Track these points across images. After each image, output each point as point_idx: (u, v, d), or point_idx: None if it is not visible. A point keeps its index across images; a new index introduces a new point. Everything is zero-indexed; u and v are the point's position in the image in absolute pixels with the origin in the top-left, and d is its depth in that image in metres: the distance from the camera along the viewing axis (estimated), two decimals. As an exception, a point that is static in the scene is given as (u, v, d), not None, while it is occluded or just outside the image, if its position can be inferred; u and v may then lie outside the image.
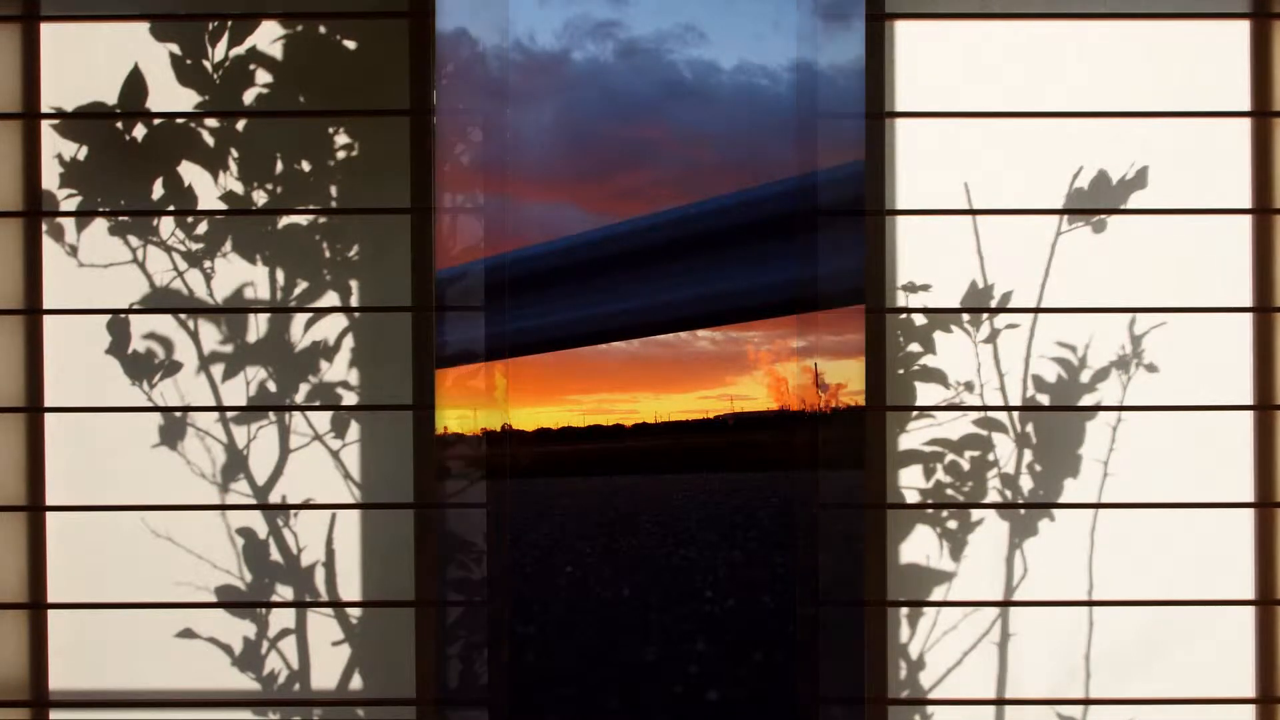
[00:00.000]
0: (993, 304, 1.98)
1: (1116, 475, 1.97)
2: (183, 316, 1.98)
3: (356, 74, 1.97)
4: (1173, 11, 1.97)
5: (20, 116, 1.97)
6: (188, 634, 1.99)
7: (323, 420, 1.98)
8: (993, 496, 1.98)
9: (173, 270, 1.98)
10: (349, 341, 1.98)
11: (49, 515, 1.98)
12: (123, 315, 1.98)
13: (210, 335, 1.98)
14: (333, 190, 1.97)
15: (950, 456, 1.98)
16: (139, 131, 1.97)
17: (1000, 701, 1.98)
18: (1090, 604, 1.98)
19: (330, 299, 1.98)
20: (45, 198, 1.97)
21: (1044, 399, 1.98)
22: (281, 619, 1.99)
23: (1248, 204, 1.97)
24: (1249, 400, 1.97)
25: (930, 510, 1.98)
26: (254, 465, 1.98)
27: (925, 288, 1.98)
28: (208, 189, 1.97)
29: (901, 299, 1.97)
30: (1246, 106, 1.97)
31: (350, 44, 1.97)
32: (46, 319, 1.98)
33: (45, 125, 1.97)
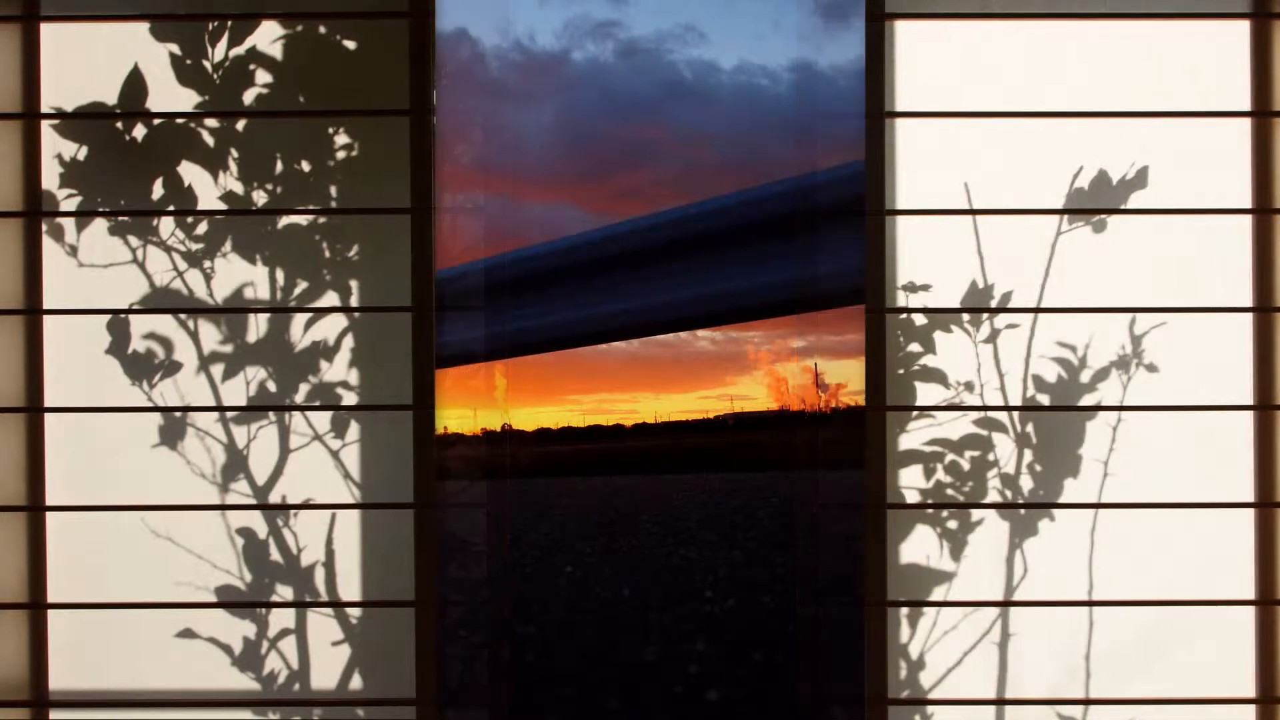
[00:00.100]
0: (993, 304, 1.98)
1: (1116, 475, 1.97)
2: (183, 316, 1.98)
3: (356, 74, 1.97)
4: (1173, 11, 1.97)
5: (20, 116, 1.97)
6: (188, 634, 1.99)
7: (323, 420, 1.98)
8: (993, 496, 1.98)
9: (173, 270, 1.98)
10: (349, 341, 1.98)
11: (49, 515, 1.98)
12: (123, 315, 1.97)
13: (210, 335, 1.98)
14: (333, 190, 1.97)
15: (950, 456, 1.98)
16: (139, 131, 1.97)
17: (1000, 701, 1.98)
18: (1090, 604, 1.97)
19: (330, 299, 1.98)
20: (45, 198, 1.97)
21: (1044, 399, 1.98)
22: (281, 619, 1.99)
23: (1248, 204, 1.97)
24: (1249, 400, 1.97)
25: (930, 510, 1.98)
26: (254, 465, 1.98)
27: (925, 288, 1.98)
28: (208, 189, 1.97)
29: (901, 299, 1.97)
30: (1246, 106, 1.97)
31: (350, 44, 1.97)
32: (46, 319, 1.98)
33: (45, 125, 1.97)
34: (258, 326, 1.98)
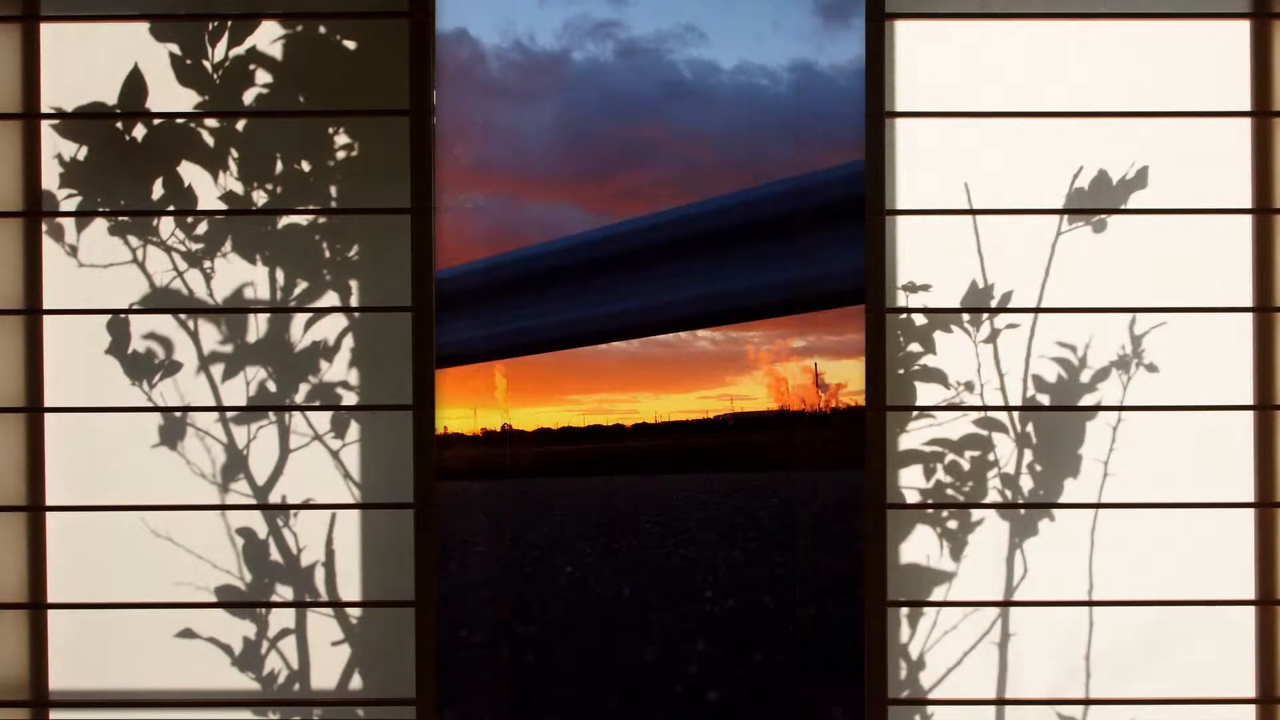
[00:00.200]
0: (993, 304, 1.98)
1: (1116, 475, 1.97)
2: (183, 316, 1.98)
3: (356, 74, 1.97)
4: (1173, 11, 1.97)
5: (20, 116, 1.97)
6: (188, 634, 1.98)
7: (323, 420, 1.98)
8: (993, 496, 1.98)
9: (173, 270, 1.98)
10: (349, 341, 1.98)
11: (49, 515, 1.98)
12: (123, 315, 1.97)
13: (210, 335, 1.98)
14: (333, 190, 1.97)
15: (950, 456, 1.98)
16: (139, 131, 1.97)
17: (1000, 701, 1.98)
18: (1090, 604, 1.97)
19: (330, 299, 1.98)
20: (45, 198, 1.97)
21: (1044, 399, 1.98)
22: (281, 619, 1.99)
23: (1248, 204, 1.97)
24: (1249, 400, 1.97)
25: (930, 510, 1.98)
26: (254, 465, 1.98)
27: (925, 288, 1.97)
28: (208, 189, 1.97)
29: (901, 299, 1.97)
30: (1246, 106, 1.97)
31: (350, 44, 1.97)
32: (46, 319, 1.98)
33: (45, 125, 1.97)
34: (258, 326, 1.98)
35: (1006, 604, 1.98)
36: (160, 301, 1.98)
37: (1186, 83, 1.97)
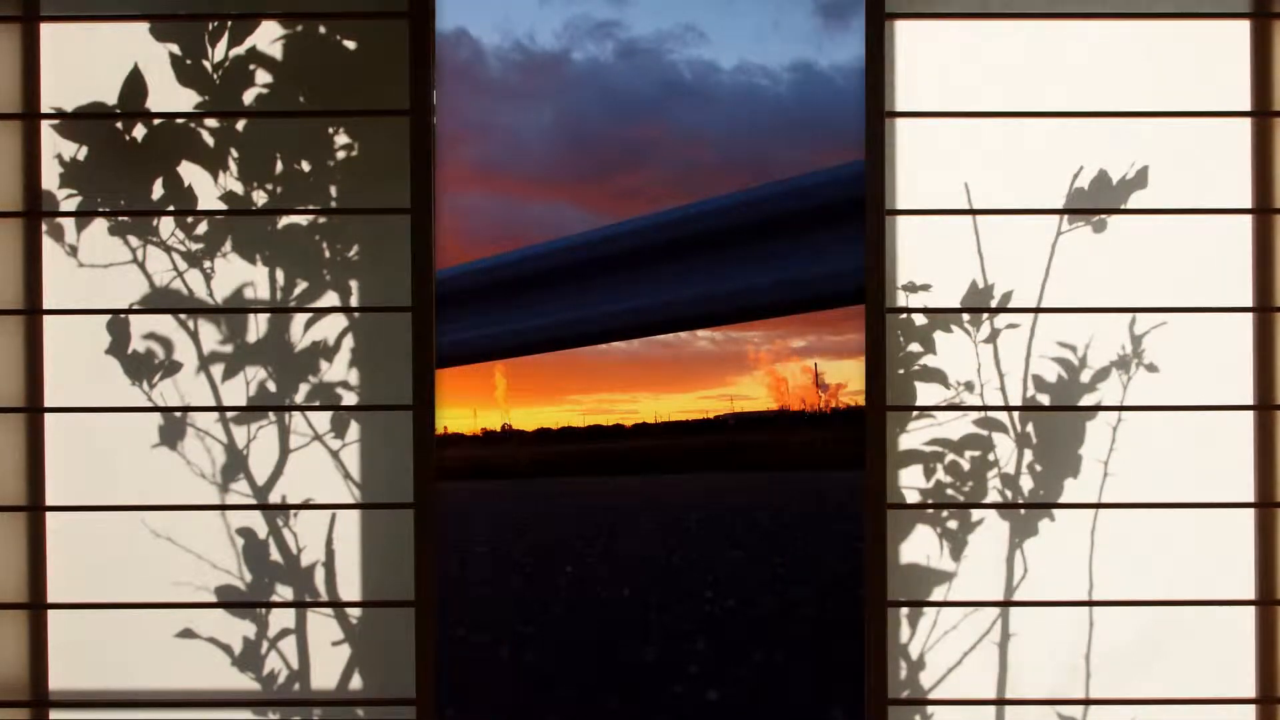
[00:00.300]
0: (993, 304, 1.98)
1: (1116, 475, 1.97)
2: (183, 316, 1.98)
3: (356, 74, 1.97)
4: (1173, 11, 1.97)
5: (20, 116, 1.97)
6: (188, 634, 1.99)
7: (323, 420, 1.98)
8: (993, 496, 1.98)
9: (173, 270, 1.98)
10: (349, 341, 1.98)
11: (49, 515, 1.98)
12: (123, 315, 1.97)
13: (210, 335, 1.98)
14: (333, 190, 1.97)
15: (950, 456, 1.98)
16: (139, 131, 1.97)
17: (1000, 702, 1.98)
18: (1090, 604, 1.97)
19: (330, 299, 1.98)
20: (45, 198, 1.97)
21: (1044, 399, 1.98)
22: (281, 619, 1.99)
23: (1248, 204, 1.97)
24: (1249, 400, 1.97)
25: (930, 510, 1.98)
26: (254, 465, 1.98)
27: (925, 288, 1.98)
28: (208, 189, 1.97)
29: (901, 299, 1.97)
30: (1246, 106, 1.97)
31: (350, 44, 1.97)
32: (46, 319, 1.98)
33: (45, 125, 1.97)
34: (258, 326, 1.98)
35: (1006, 604, 1.98)
36: (160, 301, 1.98)
37: (1186, 83, 1.97)
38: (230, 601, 1.98)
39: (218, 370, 1.98)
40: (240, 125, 1.97)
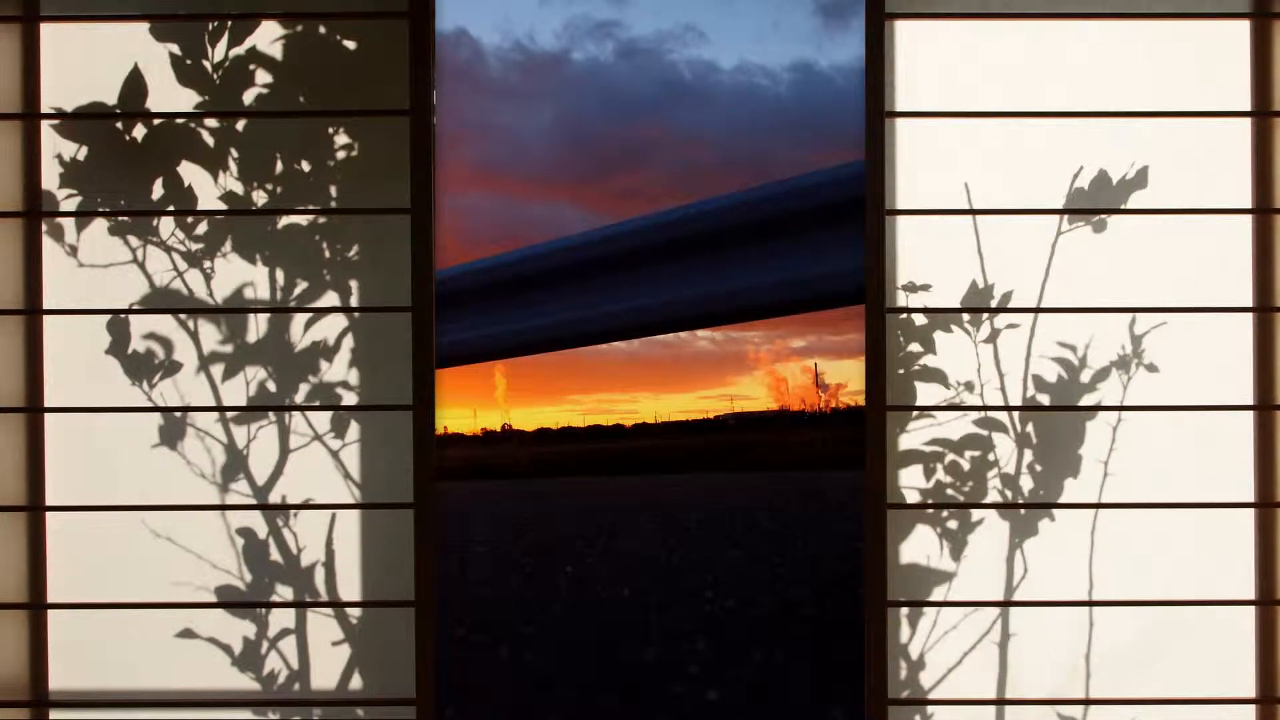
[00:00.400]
0: (993, 304, 1.98)
1: (1116, 475, 1.97)
2: (183, 316, 1.98)
3: (356, 74, 1.97)
4: (1173, 11, 1.97)
5: (20, 116, 1.97)
6: (188, 634, 1.99)
7: (323, 420, 1.98)
8: (993, 496, 1.98)
9: (173, 270, 1.98)
10: (349, 341, 1.98)
11: (49, 515, 1.98)
12: (123, 315, 1.97)
13: (210, 335, 1.98)
14: (333, 190, 1.97)
15: (950, 456, 1.98)
16: (139, 131, 1.97)
17: (1000, 702, 1.98)
18: (1090, 604, 1.97)
19: (330, 299, 1.98)
20: (45, 198, 1.97)
21: (1044, 399, 1.98)
22: (281, 619, 1.99)
23: (1248, 204, 1.97)
24: (1249, 400, 1.97)
25: (930, 510, 1.98)
26: (254, 465, 1.98)
27: (925, 288, 1.98)
28: (208, 189, 1.97)
29: (901, 299, 1.97)
30: (1246, 106, 1.97)
31: (350, 44, 1.97)
32: (46, 319, 1.98)
33: (45, 125, 1.97)
34: (258, 326, 1.98)
35: (1006, 604, 1.98)
36: (160, 301, 1.98)
37: (1186, 83, 1.97)
38: (230, 601, 1.98)
39: (218, 370, 1.98)
40: (240, 125, 1.97)
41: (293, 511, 1.98)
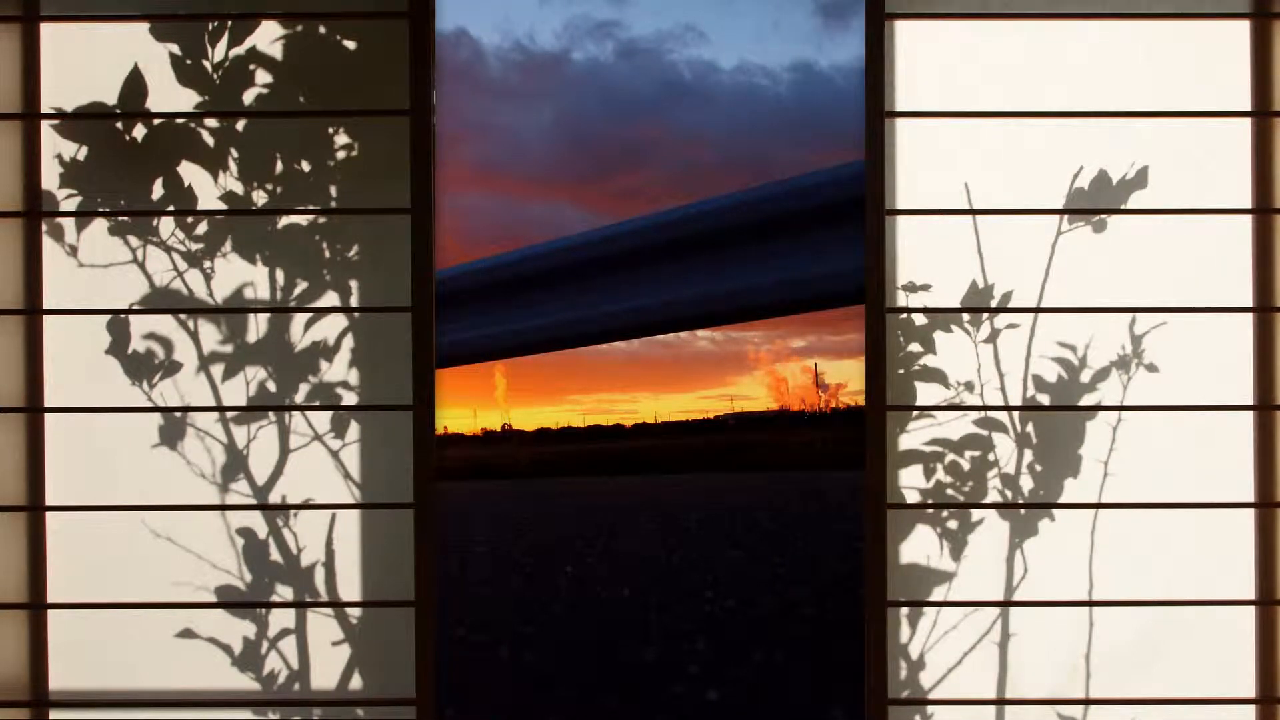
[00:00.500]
0: (993, 304, 1.98)
1: (1116, 475, 1.97)
2: (183, 316, 1.98)
3: (356, 74, 1.97)
4: (1173, 11, 1.97)
5: (20, 116, 1.97)
6: (188, 634, 1.99)
7: (323, 420, 1.98)
8: (993, 496, 1.98)
9: (173, 270, 1.98)
10: (349, 341, 1.98)
11: (49, 515, 1.98)
12: (123, 315, 1.97)
13: (210, 335, 1.98)
14: (333, 190, 1.97)
15: (950, 456, 1.98)
16: (139, 131, 1.97)
17: (1000, 702, 1.98)
18: (1090, 604, 1.97)
19: (330, 299, 1.98)
20: (45, 198, 1.97)
21: (1044, 399, 1.98)
22: (281, 619, 1.99)
23: (1248, 204, 1.97)
24: (1249, 400, 1.97)
25: (930, 510, 1.98)
26: (254, 465, 1.98)
27: (925, 288, 1.98)
28: (208, 189, 1.97)
29: (901, 299, 1.97)
30: (1246, 106, 1.97)
31: (350, 44, 1.97)
32: (46, 319, 1.98)
33: (45, 125, 1.97)
34: (258, 326, 1.98)
35: (1006, 604, 1.98)
36: (160, 301, 1.98)
37: (1186, 83, 1.97)
38: (230, 601, 1.98)
39: (218, 370, 1.98)
40: (240, 125, 1.97)
41: (293, 511, 1.98)
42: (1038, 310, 1.97)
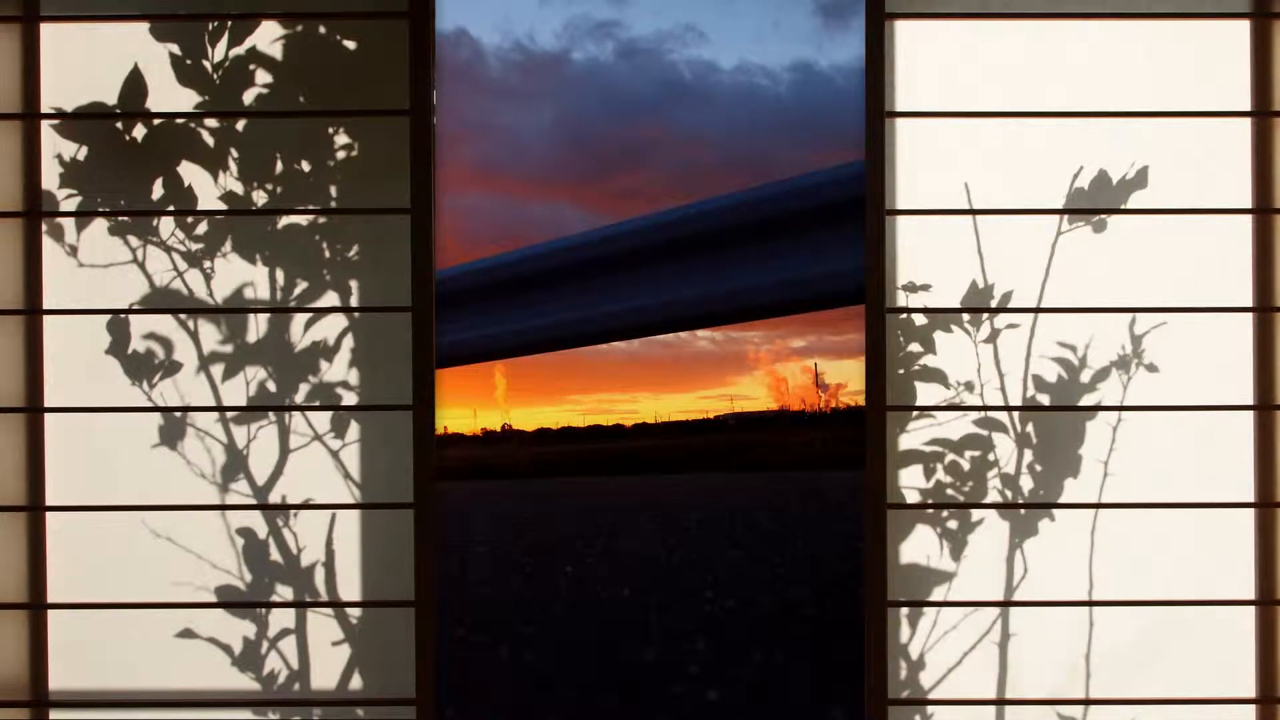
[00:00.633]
0: (993, 304, 1.98)
1: (1116, 475, 1.97)
2: (183, 316, 1.98)
3: (356, 74, 1.97)
4: (1173, 11, 1.97)
5: (20, 116, 1.97)
6: (188, 634, 1.99)
7: (323, 420, 1.98)
8: (993, 496, 1.98)
9: (173, 270, 1.98)
10: (349, 341, 1.98)
11: (49, 515, 1.98)
12: (123, 315, 1.98)
13: (210, 335, 1.98)
14: (333, 190, 1.97)
15: (950, 456, 1.98)
16: (139, 131, 1.97)
17: (1000, 702, 1.98)
18: (1090, 604, 1.98)
19: (330, 299, 1.98)
20: (45, 198, 1.97)
21: (1044, 399, 1.98)
22: (281, 619, 1.99)
23: (1248, 204, 1.97)
24: (1249, 400, 1.97)
25: (930, 510, 1.98)
26: (254, 465, 1.98)
27: (925, 288, 1.98)
28: (208, 189, 1.97)
29: (901, 299, 1.97)
30: (1246, 106, 1.97)
31: (350, 44, 1.97)
32: (46, 319, 1.98)
33: (45, 125, 1.97)
34: (258, 326, 1.98)
35: (1006, 604, 1.98)
36: (160, 301, 1.98)
37: (1186, 83, 1.97)
38: (230, 601, 1.98)
39: (218, 370, 1.98)
40: (240, 125, 1.97)
41: (293, 511, 1.98)
42: (1038, 310, 1.97)
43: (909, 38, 1.97)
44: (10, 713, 1.99)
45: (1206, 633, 1.97)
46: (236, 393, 1.98)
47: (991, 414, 1.98)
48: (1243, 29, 1.97)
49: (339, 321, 1.98)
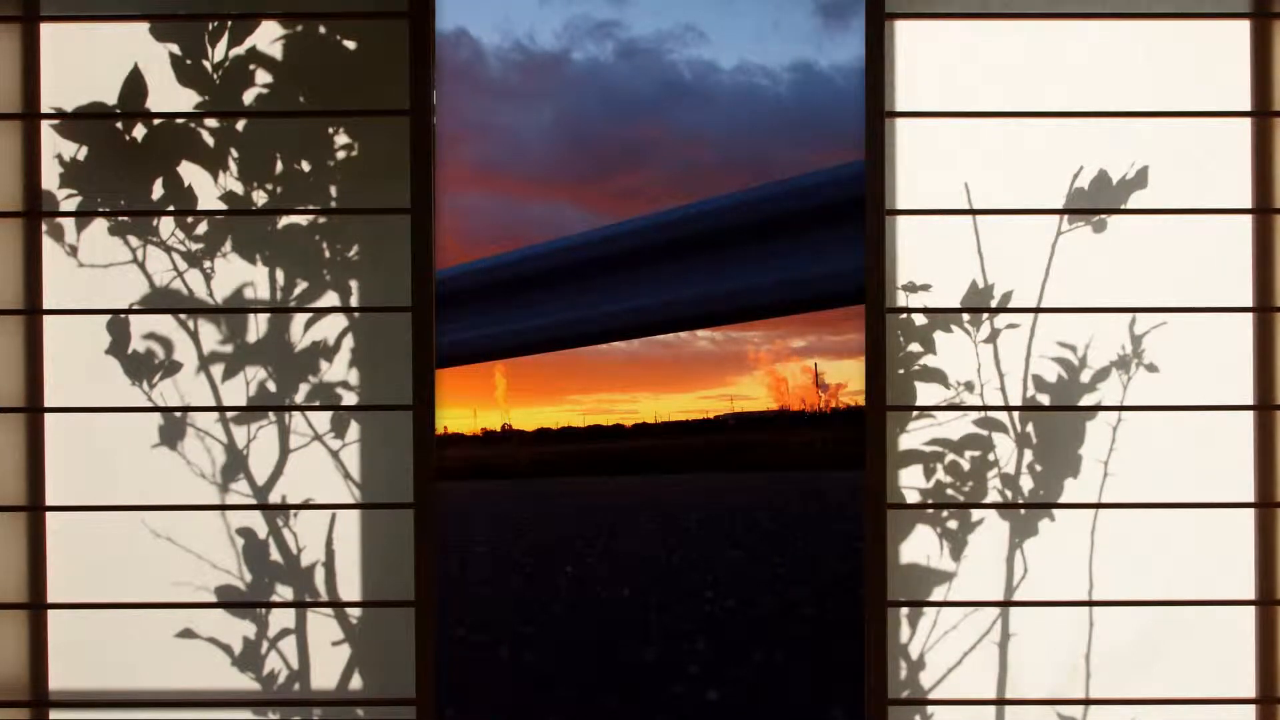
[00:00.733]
0: (993, 304, 1.98)
1: (1116, 475, 1.97)
2: (183, 316, 1.98)
3: (356, 74, 1.97)
4: (1173, 11, 1.97)
5: (20, 116, 1.97)
6: (188, 634, 1.99)
7: (323, 420, 1.98)
8: (993, 496, 1.98)
9: (173, 270, 1.98)
10: (349, 341, 1.98)
11: (49, 515, 1.98)
12: (123, 315, 1.97)
13: (210, 335, 1.98)
14: (333, 190, 1.97)
15: (950, 456, 1.98)
16: (139, 131, 1.97)
17: (1000, 702, 1.98)
18: (1090, 604, 1.97)
19: (330, 299, 1.98)
20: (45, 198, 1.97)
21: (1044, 399, 1.98)
22: (281, 619, 1.99)
23: (1248, 204, 1.97)
24: (1249, 400, 1.97)
25: (930, 510, 1.98)
26: (254, 465, 1.98)
27: (925, 288, 1.98)
28: (208, 189, 1.97)
29: (901, 299, 1.97)
30: (1247, 106, 1.97)
31: (350, 44, 1.97)
32: (46, 319, 1.98)
33: (45, 125, 1.97)
34: (258, 326, 1.98)
35: (1006, 604, 1.98)
36: (160, 301, 1.98)
37: (1186, 83, 1.97)
38: (230, 601, 1.98)
39: (218, 370, 1.98)
40: (240, 125, 1.97)
41: (293, 511, 1.98)
42: (1038, 310, 1.97)
43: (909, 38, 1.97)
44: (10, 713, 1.99)
45: (1206, 633, 1.97)
46: (236, 393, 1.98)
47: (991, 414, 1.98)
48: (1243, 29, 1.97)
49: (339, 321, 1.98)
